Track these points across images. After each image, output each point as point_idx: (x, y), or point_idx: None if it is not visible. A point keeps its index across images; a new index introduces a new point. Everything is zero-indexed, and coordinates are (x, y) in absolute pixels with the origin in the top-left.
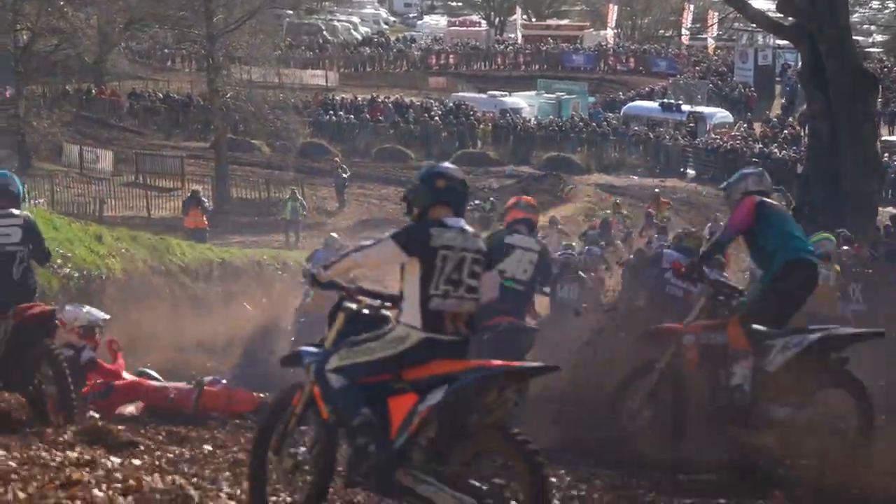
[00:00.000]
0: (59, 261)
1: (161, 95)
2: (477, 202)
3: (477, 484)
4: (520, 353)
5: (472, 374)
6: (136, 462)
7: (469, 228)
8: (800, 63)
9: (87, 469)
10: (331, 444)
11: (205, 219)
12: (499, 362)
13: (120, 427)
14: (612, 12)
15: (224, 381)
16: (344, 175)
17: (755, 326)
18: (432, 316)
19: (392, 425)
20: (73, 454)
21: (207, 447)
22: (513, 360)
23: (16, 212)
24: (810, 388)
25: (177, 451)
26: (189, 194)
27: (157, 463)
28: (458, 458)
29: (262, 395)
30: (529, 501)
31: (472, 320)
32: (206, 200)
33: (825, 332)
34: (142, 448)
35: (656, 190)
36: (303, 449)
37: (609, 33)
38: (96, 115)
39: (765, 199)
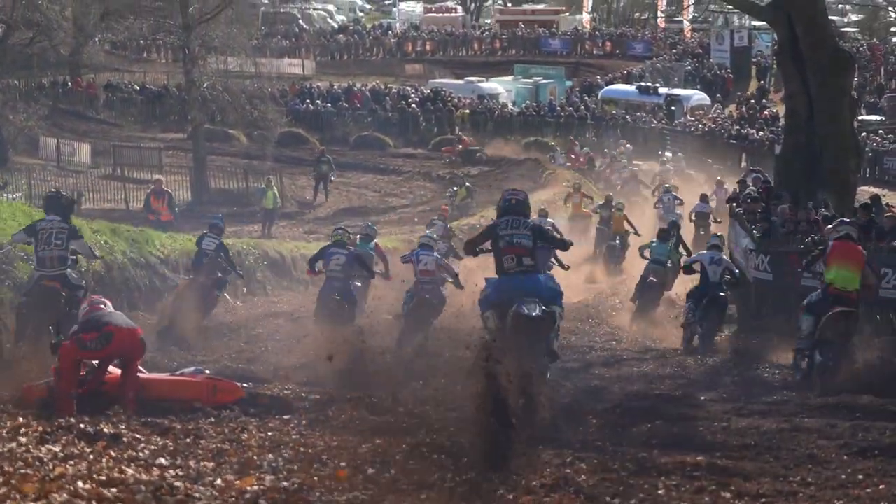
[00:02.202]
0: None
1: (137, 87)
2: (454, 189)
3: None
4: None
5: None
6: (120, 454)
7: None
8: (773, 47)
9: (71, 463)
10: None
11: (170, 211)
12: None
13: (102, 420)
14: None
15: (207, 372)
16: (325, 167)
17: None
18: (39, 260)
19: None
20: (55, 448)
21: (191, 438)
22: None
23: (215, 239)
24: None
25: (160, 443)
26: (152, 186)
27: (140, 455)
28: None
29: (245, 385)
30: None
31: (63, 261)
32: (169, 191)
33: None
34: (125, 440)
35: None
36: None
37: (585, 17)
38: (73, 108)
39: None
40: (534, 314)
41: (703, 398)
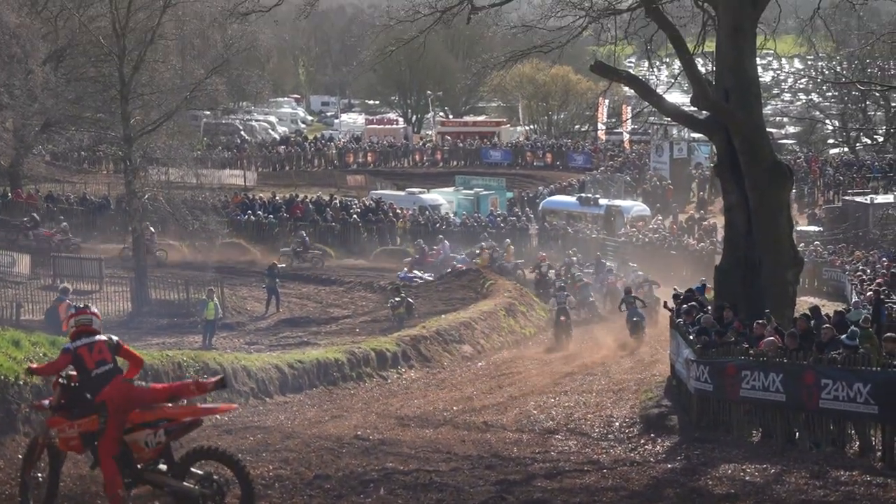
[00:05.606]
0: None
1: (78, 198)
2: (396, 299)
3: None
4: None
5: None
6: None
7: None
8: (708, 160)
9: None
10: None
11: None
12: None
13: None
14: (525, 109)
15: None
16: (270, 280)
17: None
18: None
19: None
20: None
21: None
22: None
23: None
24: None
25: None
26: (58, 295)
27: None
28: None
29: None
30: None
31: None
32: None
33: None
34: None
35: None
36: None
37: (523, 129)
38: (12, 219)
39: None
40: None
41: None
